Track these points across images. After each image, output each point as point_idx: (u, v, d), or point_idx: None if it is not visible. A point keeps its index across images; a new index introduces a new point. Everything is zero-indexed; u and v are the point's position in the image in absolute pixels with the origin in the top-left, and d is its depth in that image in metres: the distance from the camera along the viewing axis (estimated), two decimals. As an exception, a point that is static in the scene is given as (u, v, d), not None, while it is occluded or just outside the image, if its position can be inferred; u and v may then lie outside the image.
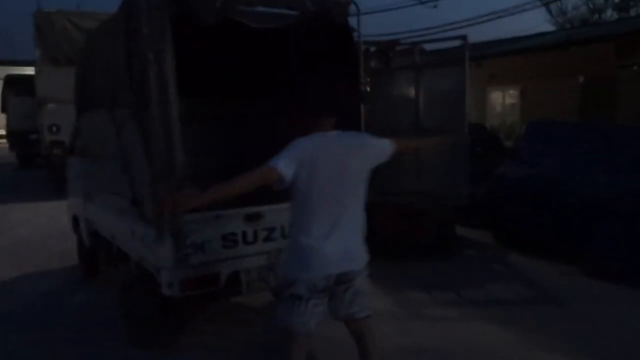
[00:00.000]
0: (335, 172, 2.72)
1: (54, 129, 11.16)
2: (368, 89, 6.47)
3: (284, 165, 2.62)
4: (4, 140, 19.38)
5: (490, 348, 4.06)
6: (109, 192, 4.33)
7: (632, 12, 21.56)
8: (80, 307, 4.97)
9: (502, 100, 13.17)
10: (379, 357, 3.07)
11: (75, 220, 5.75)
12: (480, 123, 12.82)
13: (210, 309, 4.66)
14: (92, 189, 4.95)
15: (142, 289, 3.83)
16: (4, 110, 17.37)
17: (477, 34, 13.46)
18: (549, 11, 23.60)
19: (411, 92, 6.50)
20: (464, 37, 5.98)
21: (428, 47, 7.29)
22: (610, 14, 23.01)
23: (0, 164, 18.51)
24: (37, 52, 11.15)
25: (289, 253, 2.82)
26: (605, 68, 10.16)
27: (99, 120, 4.33)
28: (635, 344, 4.15)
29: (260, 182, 2.66)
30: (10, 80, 16.86)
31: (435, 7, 18.18)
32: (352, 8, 4.14)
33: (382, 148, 2.95)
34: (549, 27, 22.86)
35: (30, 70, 12.45)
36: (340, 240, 2.72)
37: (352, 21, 4.19)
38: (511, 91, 12.70)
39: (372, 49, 7.06)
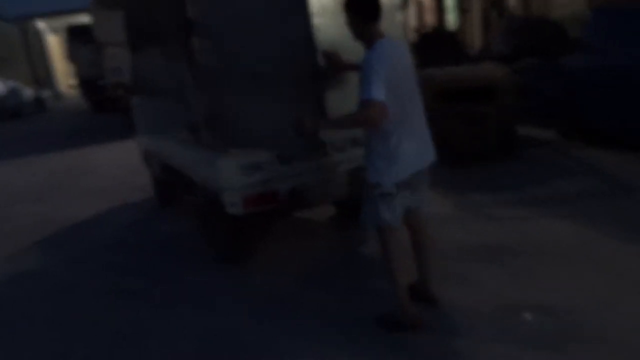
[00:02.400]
0: (406, 75, 2.93)
1: (116, 71, 11.58)
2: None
3: (382, 93, 2.70)
4: (77, 90, 20.39)
5: (555, 241, 4.04)
6: (170, 123, 4.55)
7: None
8: (166, 234, 5.36)
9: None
10: (432, 249, 3.32)
11: (146, 155, 6.10)
12: (543, 15, 12.02)
13: (280, 224, 4.95)
14: (156, 123, 5.21)
15: (211, 211, 4.09)
16: (72, 61, 18.09)
17: None
18: None
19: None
20: None
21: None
22: None
23: (75, 112, 19.63)
24: (91, -2, 11.42)
25: (377, 155, 2.93)
26: None
27: (151, 57, 4.50)
28: None
29: (365, 122, 2.84)
30: (73, 30, 17.43)
31: None
32: None
33: None
34: None
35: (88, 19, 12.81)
36: (418, 138, 2.99)
37: None
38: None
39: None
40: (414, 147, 2.95)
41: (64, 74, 29.25)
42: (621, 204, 4.64)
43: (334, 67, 3.38)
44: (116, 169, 8.68)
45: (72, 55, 17.60)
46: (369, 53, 2.88)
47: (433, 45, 6.92)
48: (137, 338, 3.45)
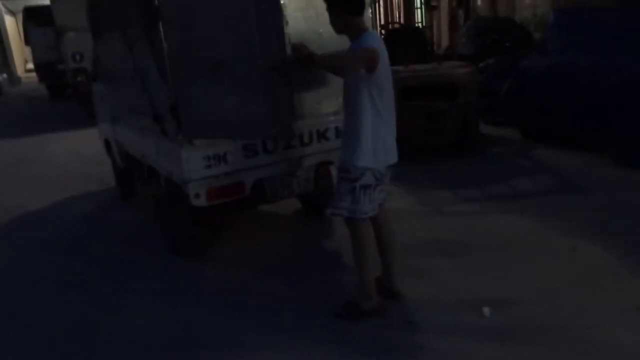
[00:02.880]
0: (387, 68, 2.98)
1: (77, 57, 11.27)
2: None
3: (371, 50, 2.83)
4: (34, 74, 19.70)
5: (511, 236, 4.17)
6: (133, 112, 4.46)
7: None
8: (120, 226, 5.29)
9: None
10: (395, 243, 3.39)
11: (107, 144, 5.97)
12: (508, 17, 12.28)
13: (242, 217, 4.93)
14: (118, 112, 5.10)
15: (173, 202, 4.04)
16: (28, 44, 17.46)
17: None
18: None
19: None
20: None
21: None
22: None
23: (32, 97, 18.97)
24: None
25: (359, 145, 2.96)
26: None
27: (114, 43, 4.39)
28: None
29: (363, 61, 2.86)
30: (29, 11, 16.78)
31: None
32: None
33: None
34: None
35: (47, 1, 12.38)
36: (392, 132, 3.09)
37: None
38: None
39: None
40: (391, 138, 3.07)
41: (21, 57, 28.22)
42: (572, 202, 4.82)
43: (302, 59, 3.37)
44: (72, 159, 8.46)
45: (28, 38, 16.98)
46: (355, 42, 2.94)
47: (399, 42, 6.99)
48: (85, 331, 3.40)
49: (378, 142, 2.98)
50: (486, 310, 3.14)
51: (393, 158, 3.11)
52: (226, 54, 3.35)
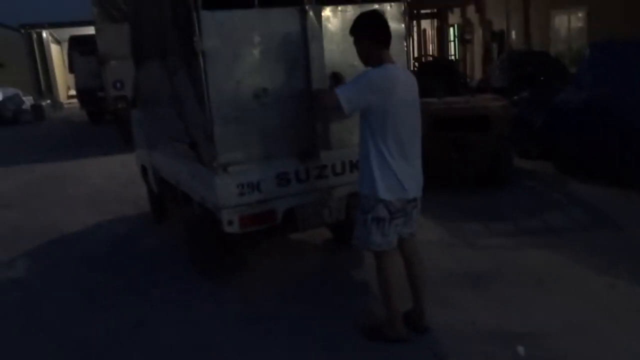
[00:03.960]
0: (408, 103, 3.01)
1: (118, 84, 11.66)
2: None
3: (348, 97, 2.95)
4: (75, 100, 20.43)
5: (544, 272, 4.09)
6: (169, 139, 4.59)
7: None
8: (151, 247, 5.40)
9: (568, 23, 12.39)
10: (425, 277, 3.37)
11: (143, 169, 6.13)
12: (543, 50, 12.24)
13: (274, 244, 4.96)
14: (155, 138, 5.25)
15: (205, 228, 4.11)
16: (72, 71, 18.18)
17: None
18: None
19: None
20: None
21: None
22: None
23: (73, 122, 19.65)
24: (95, 10, 11.52)
25: (373, 178, 2.98)
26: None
27: (154, 71, 4.56)
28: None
29: (324, 105, 3.36)
30: (74, 40, 17.55)
31: None
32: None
33: None
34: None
35: (92, 30, 12.93)
36: (414, 166, 3.06)
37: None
38: (577, 13, 11.90)
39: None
40: (409, 174, 3.03)
41: (64, 83, 29.34)
42: (606, 238, 4.72)
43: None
44: (109, 181, 8.69)
45: (72, 65, 17.70)
46: (373, 69, 3.02)
47: (432, 74, 7.04)
48: (111, 351, 3.49)
49: (389, 176, 2.97)
50: (521, 350, 3.07)
51: (413, 192, 3.07)
52: (269, 83, 3.51)
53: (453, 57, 10.41)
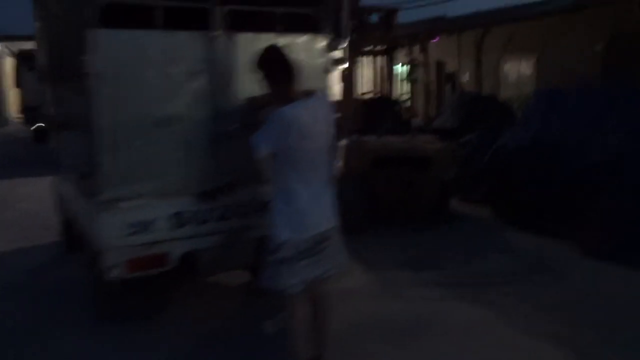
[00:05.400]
0: (315, 137, 2.84)
1: (55, 103, 11.11)
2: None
3: (264, 146, 2.76)
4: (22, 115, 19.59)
5: (465, 327, 3.89)
6: (71, 166, 4.18)
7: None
8: (66, 281, 4.88)
9: (517, 69, 12.59)
10: (329, 323, 3.14)
11: (56, 196, 5.66)
12: (492, 94, 12.33)
13: (186, 286, 4.55)
14: (62, 163, 4.82)
15: (96, 271, 3.67)
16: (19, 86, 17.46)
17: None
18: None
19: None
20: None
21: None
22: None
23: (17, 139, 18.73)
24: (36, 24, 11.02)
25: (275, 217, 2.87)
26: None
27: (61, 93, 4.19)
28: (622, 320, 3.89)
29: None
30: (22, 55, 16.89)
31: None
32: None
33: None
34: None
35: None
36: (321, 202, 2.91)
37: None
38: (526, 60, 12.10)
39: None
40: (315, 211, 2.88)
41: (16, 99, 28.25)
42: (533, 293, 4.51)
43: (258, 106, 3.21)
44: (40, 205, 8.06)
45: (19, 80, 17.00)
46: (277, 111, 2.79)
47: (375, 112, 6.87)
48: None
49: (291, 215, 2.82)
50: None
51: (320, 228, 2.89)
52: (171, 111, 3.17)
53: (404, 96, 10.32)
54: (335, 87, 3.81)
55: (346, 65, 7.71)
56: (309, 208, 2.84)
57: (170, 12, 3.21)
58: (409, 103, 9.51)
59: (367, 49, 8.08)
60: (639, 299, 4.32)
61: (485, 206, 7.09)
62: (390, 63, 7.74)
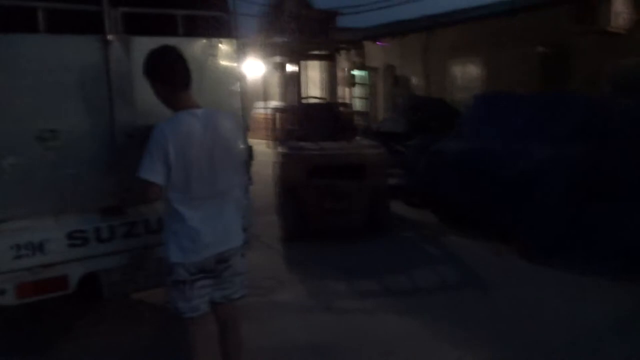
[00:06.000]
0: (211, 150, 2.59)
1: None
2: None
3: (157, 171, 2.48)
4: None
5: (390, 343, 3.74)
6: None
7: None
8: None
9: (463, 72, 12.66)
10: (241, 348, 2.94)
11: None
12: (439, 97, 12.36)
13: (100, 308, 4.27)
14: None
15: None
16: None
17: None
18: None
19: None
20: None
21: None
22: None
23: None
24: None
25: (167, 239, 2.64)
26: (562, 35, 9.66)
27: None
28: (551, 331, 3.82)
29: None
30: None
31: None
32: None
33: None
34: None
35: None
36: (219, 220, 2.66)
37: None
38: (472, 63, 12.17)
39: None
40: (211, 229, 2.63)
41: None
42: (468, 300, 4.43)
43: None
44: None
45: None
46: (160, 124, 2.53)
47: (315, 117, 6.70)
48: None
49: (183, 235, 2.57)
50: None
51: (216, 249, 2.66)
52: (59, 123, 2.93)
53: (355, 100, 10.21)
54: (243, 94, 3.57)
55: (288, 69, 7.58)
56: (202, 229, 2.59)
57: (60, 16, 2.95)
58: (355, 107, 9.40)
59: (311, 53, 7.92)
60: (566, 303, 4.28)
61: (428, 210, 7.05)
62: (334, 67, 7.59)
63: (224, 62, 3.45)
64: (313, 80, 9.52)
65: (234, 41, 3.49)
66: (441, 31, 12.41)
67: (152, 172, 2.48)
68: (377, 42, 13.07)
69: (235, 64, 3.50)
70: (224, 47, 3.45)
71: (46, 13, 2.88)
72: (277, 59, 8.42)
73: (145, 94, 3.06)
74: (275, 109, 7.99)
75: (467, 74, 12.69)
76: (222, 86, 3.46)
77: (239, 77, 3.53)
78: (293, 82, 8.08)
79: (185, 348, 2.72)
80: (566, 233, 5.04)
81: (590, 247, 4.92)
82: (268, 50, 9.00)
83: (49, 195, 3.00)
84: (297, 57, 7.28)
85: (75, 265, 3.11)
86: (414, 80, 13.57)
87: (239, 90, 3.55)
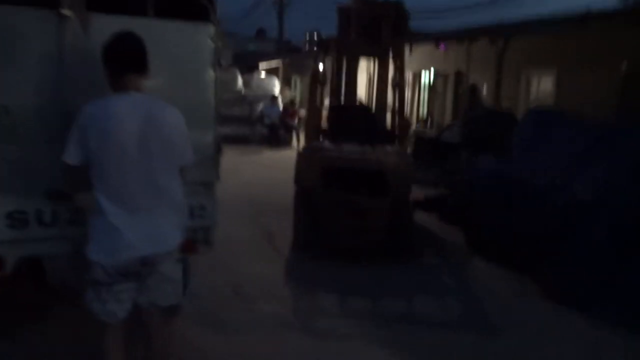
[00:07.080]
0: (140, 142, 2.42)
1: None
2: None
3: (72, 153, 2.41)
4: None
5: None
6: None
7: None
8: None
9: (537, 86, 11.66)
10: (164, 358, 2.72)
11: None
12: (510, 112, 11.49)
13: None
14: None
15: None
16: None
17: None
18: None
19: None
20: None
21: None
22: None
23: None
24: None
25: (88, 232, 2.51)
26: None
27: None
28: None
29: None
30: None
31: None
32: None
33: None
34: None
35: None
36: (143, 221, 2.47)
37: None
38: (546, 77, 11.17)
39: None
40: (136, 230, 2.45)
41: None
42: (466, 344, 3.85)
43: None
44: None
45: None
46: (86, 105, 2.43)
47: (346, 119, 6.28)
48: None
49: (104, 232, 2.42)
50: None
51: (140, 251, 2.45)
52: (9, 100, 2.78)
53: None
54: (216, 84, 3.28)
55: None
56: (123, 227, 2.41)
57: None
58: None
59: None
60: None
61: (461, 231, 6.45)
62: (383, 69, 7.10)
63: (197, 49, 3.18)
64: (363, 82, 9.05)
65: (212, 27, 3.21)
66: (516, 40, 11.52)
67: (68, 153, 2.40)
68: (440, 46, 12.37)
69: (209, 52, 3.22)
70: (198, 32, 3.18)
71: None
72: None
73: (102, 75, 2.86)
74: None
75: (539, 88, 11.75)
76: (192, 74, 3.19)
77: (213, 66, 3.25)
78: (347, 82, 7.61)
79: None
80: (603, 283, 4.34)
81: (626, 303, 4.20)
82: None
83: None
84: (341, 54, 6.84)
85: (14, 247, 2.96)
86: (485, 90, 12.72)
87: (211, 79, 3.27)
